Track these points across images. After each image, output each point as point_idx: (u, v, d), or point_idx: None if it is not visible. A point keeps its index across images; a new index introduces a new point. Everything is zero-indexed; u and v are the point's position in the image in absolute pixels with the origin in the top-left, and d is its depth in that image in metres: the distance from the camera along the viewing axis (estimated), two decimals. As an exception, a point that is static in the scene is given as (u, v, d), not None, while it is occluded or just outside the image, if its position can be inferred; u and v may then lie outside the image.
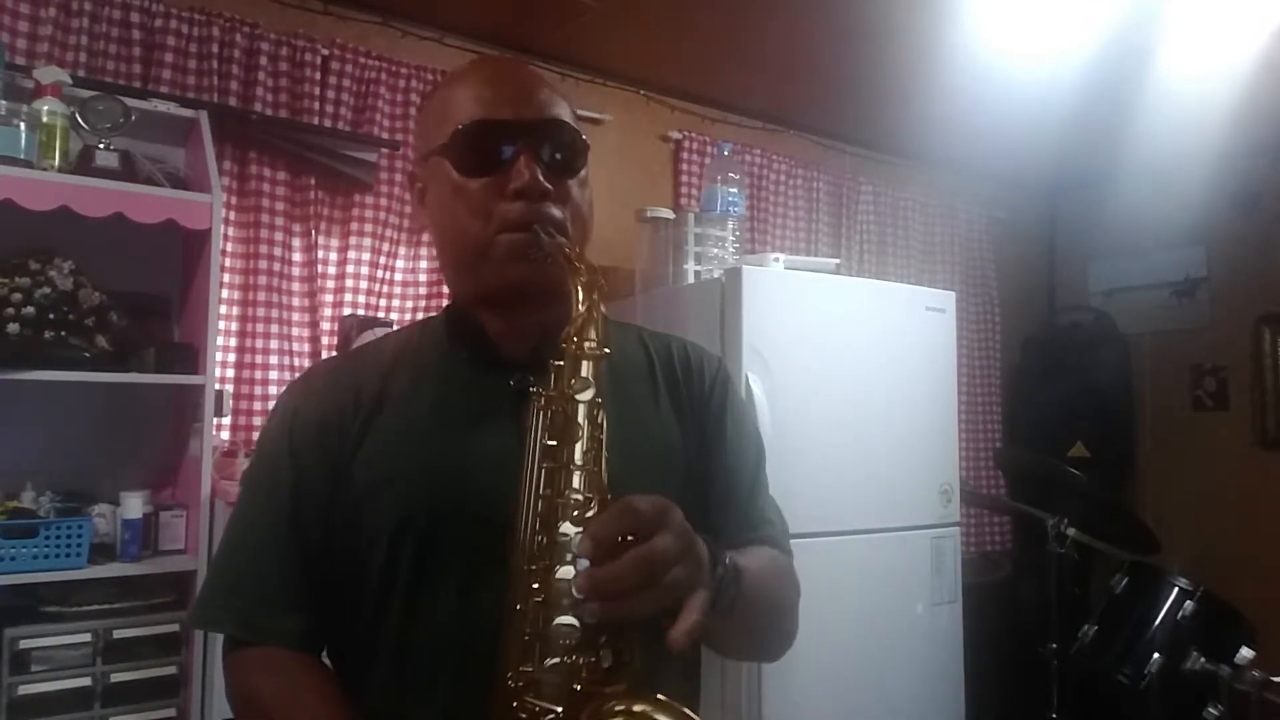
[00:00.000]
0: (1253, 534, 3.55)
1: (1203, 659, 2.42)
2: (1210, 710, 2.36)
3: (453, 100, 0.92)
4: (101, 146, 1.96)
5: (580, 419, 0.77)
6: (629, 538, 0.69)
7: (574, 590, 0.69)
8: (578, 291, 0.83)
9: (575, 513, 0.73)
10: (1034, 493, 2.99)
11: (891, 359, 2.58)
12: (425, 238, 2.69)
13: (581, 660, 0.71)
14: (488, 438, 0.88)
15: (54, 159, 1.89)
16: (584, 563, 0.68)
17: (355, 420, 0.91)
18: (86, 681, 1.81)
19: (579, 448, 0.76)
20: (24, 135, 1.85)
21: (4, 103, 1.86)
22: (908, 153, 3.82)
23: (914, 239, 3.81)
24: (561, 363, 0.81)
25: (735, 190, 2.90)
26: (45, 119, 1.89)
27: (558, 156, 0.90)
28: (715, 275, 2.63)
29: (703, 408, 1.01)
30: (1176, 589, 2.61)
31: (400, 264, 2.67)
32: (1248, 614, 2.60)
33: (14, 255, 1.86)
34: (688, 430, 0.98)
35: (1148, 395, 4.04)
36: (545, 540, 0.75)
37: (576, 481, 0.74)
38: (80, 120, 1.95)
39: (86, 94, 2.00)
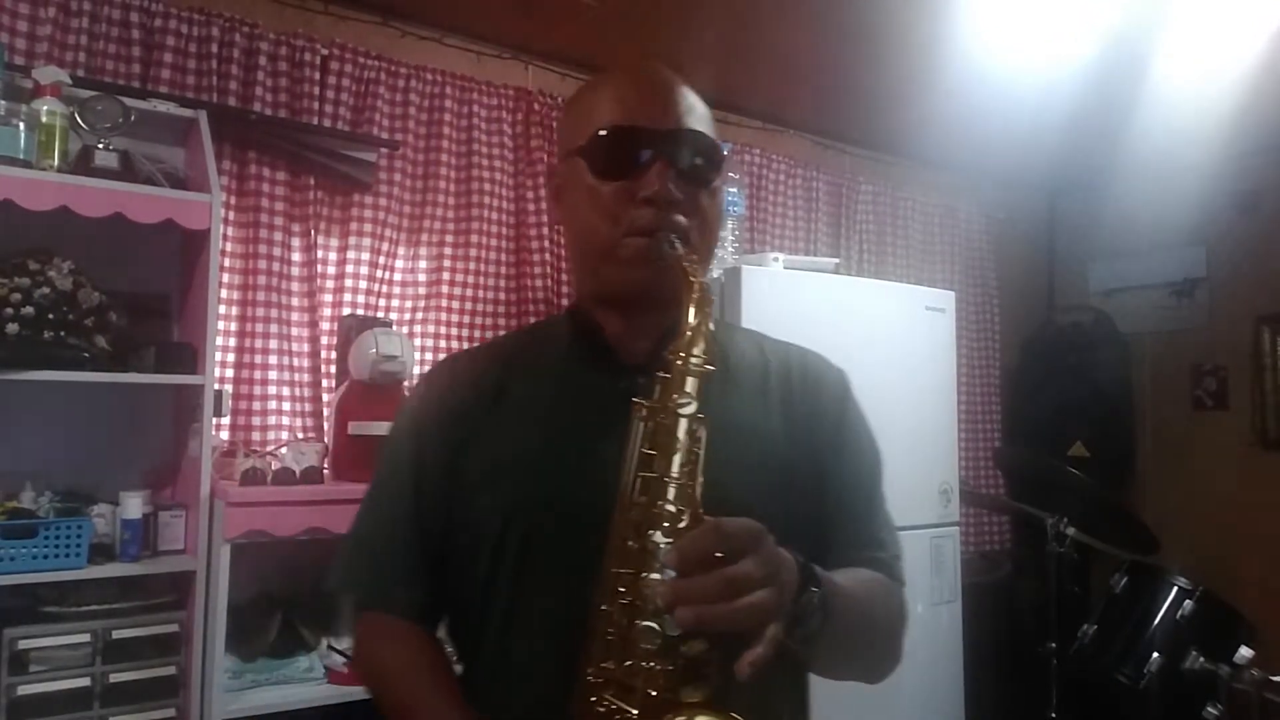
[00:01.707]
0: (1253, 534, 3.55)
1: (1202, 659, 2.43)
2: (1210, 710, 2.36)
3: (595, 103, 0.95)
4: (101, 146, 1.96)
5: (680, 433, 0.78)
6: (717, 555, 0.70)
7: (657, 598, 0.71)
8: (689, 306, 0.84)
9: (666, 524, 0.75)
10: (1033, 492, 3.00)
11: (891, 359, 2.58)
12: (425, 238, 2.70)
13: (660, 666, 0.73)
14: (595, 437, 0.89)
15: (53, 159, 1.89)
16: (670, 573, 0.70)
17: (474, 411, 0.95)
18: (86, 682, 1.81)
19: (676, 460, 0.77)
20: (23, 135, 1.85)
21: (3, 103, 1.86)
22: (908, 153, 3.82)
23: (914, 239, 3.81)
24: (668, 375, 0.82)
25: (735, 190, 2.90)
26: (45, 119, 1.89)
27: (691, 166, 0.92)
28: (715, 275, 2.63)
29: (818, 420, 0.99)
30: (1176, 589, 2.62)
31: (400, 264, 2.68)
32: (1247, 614, 2.60)
33: (13, 255, 1.86)
34: (799, 441, 0.97)
35: (1148, 395, 4.04)
36: (636, 546, 0.76)
37: (671, 493, 0.76)
38: (80, 120, 1.95)
39: (86, 94, 2.00)
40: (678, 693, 0.73)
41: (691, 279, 0.85)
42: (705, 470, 0.82)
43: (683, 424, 0.79)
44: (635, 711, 0.73)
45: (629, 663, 0.74)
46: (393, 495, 0.98)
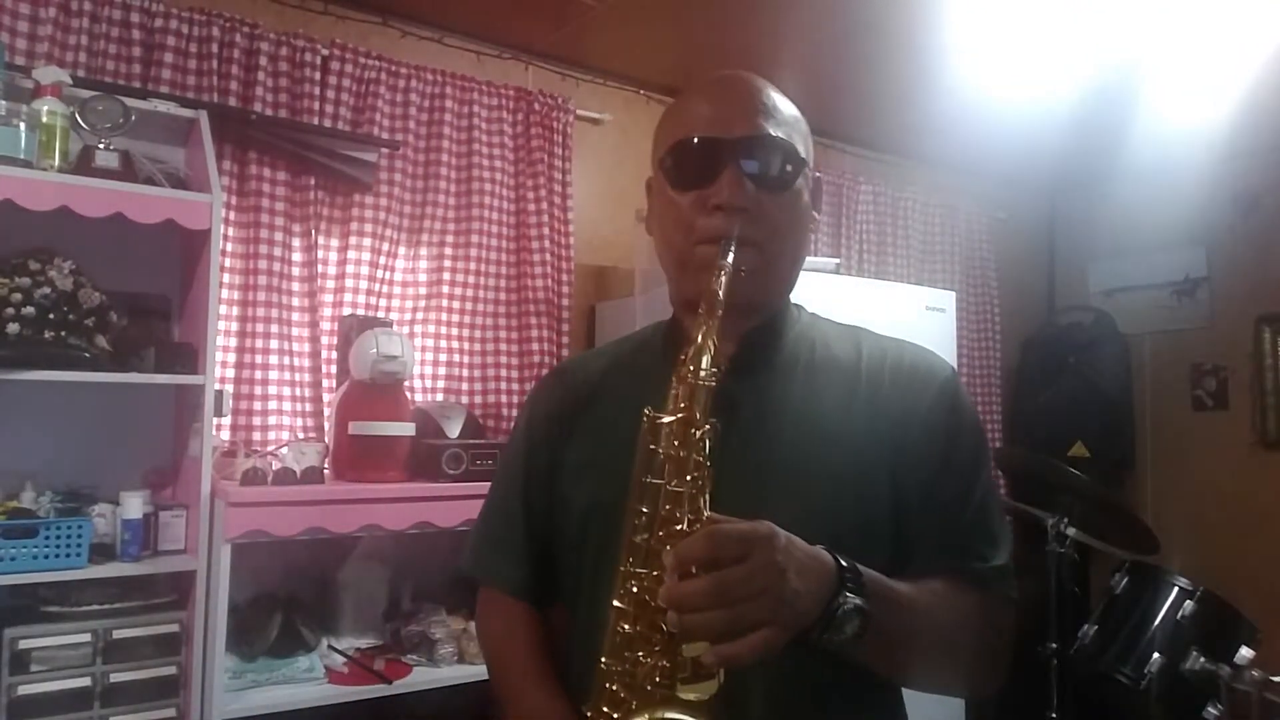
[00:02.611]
0: (1253, 534, 3.55)
1: (1203, 659, 2.42)
2: (1210, 710, 2.36)
3: (677, 117, 1.00)
4: (101, 146, 1.96)
5: (686, 443, 0.80)
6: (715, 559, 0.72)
7: (658, 599, 0.75)
8: (701, 323, 0.84)
9: (675, 527, 0.78)
10: (1034, 493, 2.99)
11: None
12: (425, 238, 2.70)
13: (660, 662, 0.77)
14: None
15: (54, 159, 1.89)
16: (669, 578, 0.74)
17: (573, 412, 1.05)
18: (86, 682, 1.81)
19: (685, 470, 0.79)
20: (24, 135, 1.85)
21: (4, 103, 1.86)
22: (908, 153, 3.82)
23: (914, 239, 3.81)
24: (676, 389, 0.83)
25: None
26: (45, 119, 1.89)
27: (764, 171, 0.93)
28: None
29: (906, 419, 0.95)
30: (1176, 589, 2.61)
31: (400, 264, 2.68)
32: (1248, 614, 2.60)
33: (14, 255, 1.86)
34: (884, 442, 0.94)
35: (1148, 395, 4.04)
36: (644, 548, 0.80)
37: (678, 500, 0.79)
38: (80, 120, 1.95)
39: (86, 94, 2.00)
40: (674, 688, 0.76)
41: (714, 279, 0.86)
42: (777, 472, 0.89)
43: (689, 433, 0.80)
44: (633, 702, 0.78)
45: (637, 655, 0.78)
46: (507, 486, 1.09)
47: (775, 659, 0.72)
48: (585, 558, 0.98)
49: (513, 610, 1.06)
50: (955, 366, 3.16)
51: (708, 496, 0.79)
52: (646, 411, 0.83)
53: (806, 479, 0.89)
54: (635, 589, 0.79)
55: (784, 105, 0.98)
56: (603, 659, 0.80)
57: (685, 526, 0.77)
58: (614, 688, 0.80)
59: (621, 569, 0.80)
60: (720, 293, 0.85)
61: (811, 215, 1.01)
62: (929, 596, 0.87)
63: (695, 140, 0.94)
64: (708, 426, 0.81)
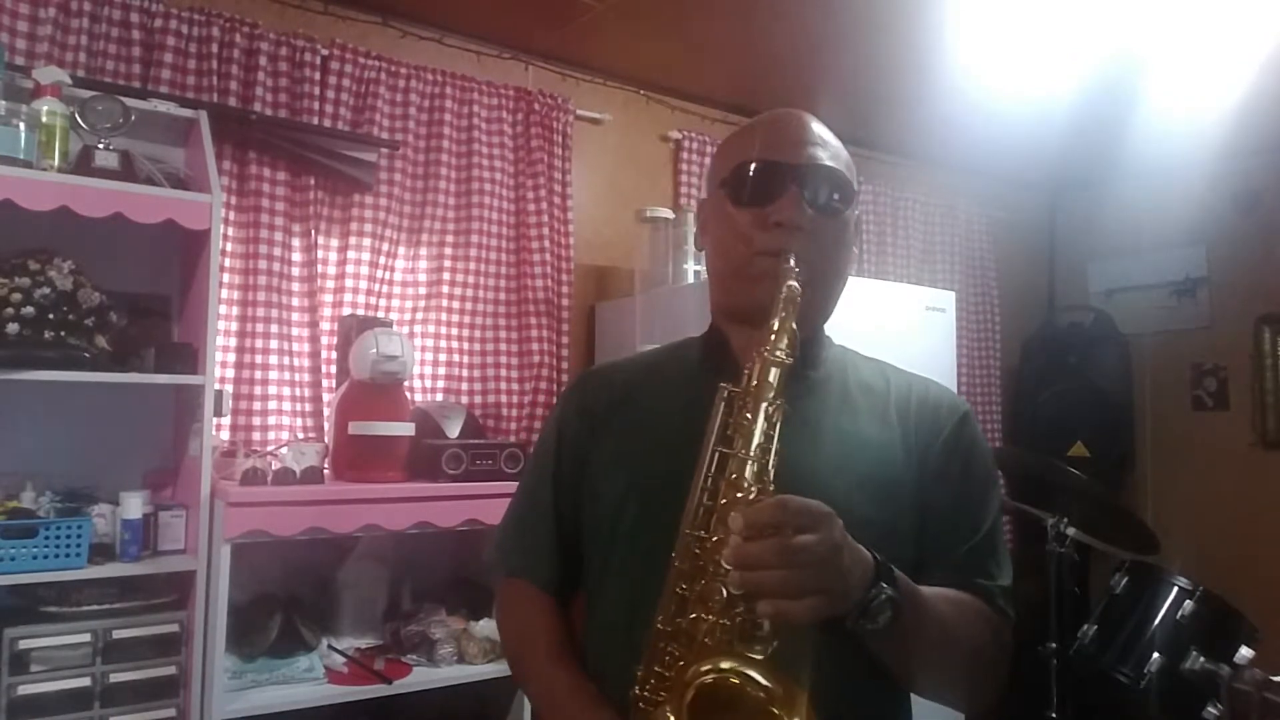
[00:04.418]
0: (1253, 534, 3.55)
1: (1202, 659, 2.42)
2: (1210, 710, 2.35)
3: (739, 142, 1.08)
4: (101, 146, 1.96)
5: (758, 416, 0.86)
6: (779, 527, 0.78)
7: (721, 559, 0.80)
8: (776, 304, 0.92)
9: (738, 494, 0.83)
10: (1034, 493, 2.99)
11: (891, 359, 2.57)
12: (425, 238, 2.70)
13: (718, 620, 0.81)
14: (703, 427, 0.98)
15: (54, 159, 1.89)
16: (735, 539, 0.78)
17: (605, 412, 1.11)
18: (86, 682, 1.81)
19: (754, 441, 0.85)
20: (24, 135, 1.85)
21: (4, 103, 1.85)
22: (908, 153, 3.82)
23: (914, 239, 3.81)
24: (753, 367, 0.90)
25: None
26: (45, 119, 1.89)
27: (822, 197, 1.01)
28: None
29: (931, 446, 1.04)
30: (1176, 588, 2.61)
31: (400, 264, 2.68)
32: (1248, 614, 2.60)
33: (14, 255, 1.86)
34: (911, 463, 1.03)
35: (1148, 395, 4.04)
36: (706, 514, 0.86)
37: (745, 470, 0.84)
38: (80, 120, 1.95)
39: (86, 94, 1.99)
40: (731, 646, 0.80)
41: (783, 281, 0.93)
42: (815, 474, 0.94)
43: (762, 408, 0.86)
44: (690, 660, 0.81)
45: (694, 615, 0.83)
46: (536, 481, 1.15)
47: (817, 647, 0.79)
48: (617, 545, 1.03)
49: (538, 602, 1.11)
50: (955, 366, 3.14)
51: (773, 469, 0.85)
52: (723, 385, 0.91)
53: (843, 487, 0.94)
54: (697, 551, 0.85)
55: (835, 141, 1.06)
56: (658, 621, 0.86)
57: (753, 496, 0.82)
58: (668, 647, 0.84)
59: (686, 531, 0.87)
60: (790, 294, 0.92)
61: (854, 248, 1.08)
62: (947, 604, 0.94)
63: (759, 162, 1.02)
64: (780, 402, 0.87)
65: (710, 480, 0.87)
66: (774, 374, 0.88)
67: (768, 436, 0.86)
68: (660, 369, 1.16)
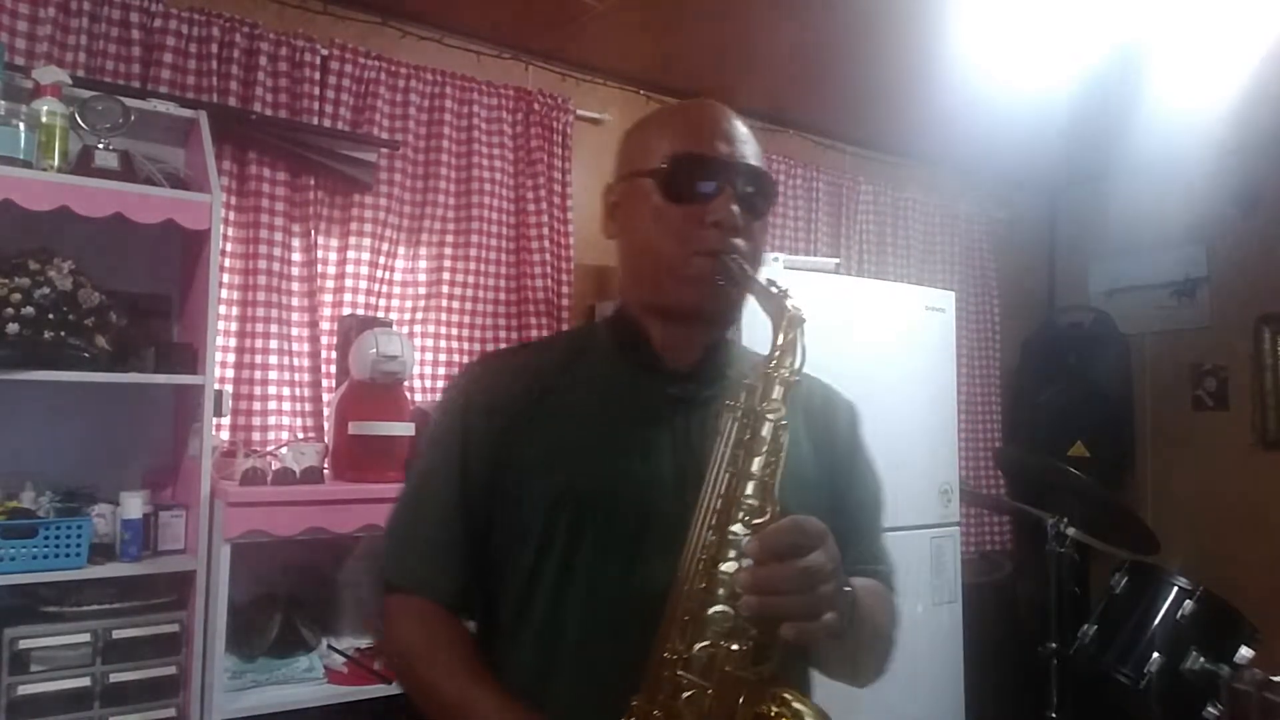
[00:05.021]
0: (1253, 534, 3.55)
1: (1202, 659, 2.42)
2: (1210, 710, 2.36)
3: (665, 131, 1.03)
4: (101, 146, 1.96)
5: (765, 435, 0.86)
6: (792, 548, 0.79)
7: (736, 585, 0.79)
8: (780, 324, 0.92)
9: (747, 517, 0.83)
10: (1034, 493, 2.99)
11: (891, 359, 2.58)
12: (425, 238, 2.70)
13: (731, 647, 0.80)
14: (644, 434, 0.98)
15: (53, 159, 1.89)
16: (749, 562, 0.78)
17: (523, 406, 1.00)
18: (86, 682, 1.81)
19: (759, 461, 0.85)
20: (24, 135, 1.85)
21: (4, 103, 1.86)
22: (908, 153, 3.82)
23: (914, 239, 3.81)
24: (756, 383, 0.89)
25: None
26: (45, 119, 1.89)
27: (751, 199, 0.99)
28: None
29: (833, 445, 1.08)
30: (1176, 589, 2.61)
31: (399, 264, 2.68)
32: (1248, 614, 2.60)
33: (14, 255, 1.86)
34: (820, 463, 1.05)
35: (1148, 395, 4.03)
36: (716, 538, 0.84)
37: (751, 490, 0.84)
38: (80, 120, 1.95)
39: (86, 94, 1.99)
40: (749, 670, 0.79)
41: (786, 305, 0.93)
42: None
43: (768, 426, 0.86)
44: (710, 688, 0.80)
45: (704, 642, 0.81)
46: (437, 484, 1.02)
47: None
48: (550, 553, 0.94)
49: (442, 617, 0.99)
50: (955, 367, 3.14)
51: (779, 487, 0.85)
52: (729, 402, 0.89)
53: (783, 495, 0.95)
54: (703, 576, 0.82)
55: (753, 139, 1.04)
56: (665, 650, 0.82)
57: (768, 517, 0.82)
58: (681, 676, 0.81)
59: (692, 559, 0.84)
60: (795, 317, 0.92)
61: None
62: (870, 596, 0.97)
63: (694, 157, 0.98)
64: (786, 422, 0.87)
65: (719, 501, 0.85)
66: (779, 391, 0.88)
67: (774, 456, 0.85)
68: (576, 362, 1.05)
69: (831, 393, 1.13)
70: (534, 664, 0.94)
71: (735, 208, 0.97)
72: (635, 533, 0.92)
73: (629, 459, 0.96)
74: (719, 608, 0.80)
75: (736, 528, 0.82)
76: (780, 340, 0.91)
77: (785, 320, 0.92)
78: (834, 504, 1.01)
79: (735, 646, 0.79)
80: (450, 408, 1.06)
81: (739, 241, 0.97)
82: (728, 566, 0.81)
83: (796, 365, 0.90)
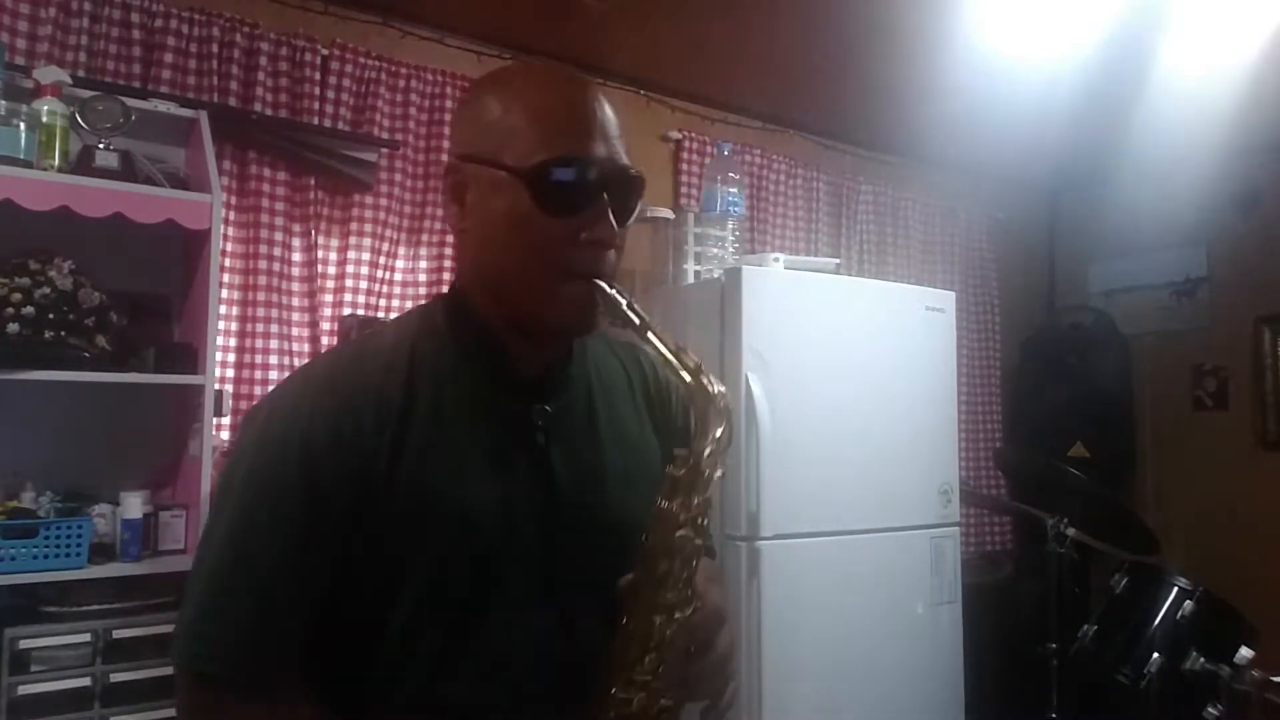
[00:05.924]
0: (1253, 534, 3.55)
1: (1202, 659, 2.42)
2: (1210, 710, 2.36)
3: (528, 115, 0.88)
4: (101, 146, 1.96)
5: (689, 526, 0.87)
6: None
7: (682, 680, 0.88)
8: (711, 415, 0.87)
9: (675, 611, 0.86)
10: (1034, 493, 2.99)
11: (891, 359, 2.58)
12: (426, 238, 2.69)
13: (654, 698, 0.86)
14: (519, 475, 0.90)
15: (54, 159, 1.89)
16: (676, 661, 0.87)
17: (381, 434, 0.84)
18: (86, 682, 1.81)
19: (683, 553, 0.87)
20: (24, 135, 1.85)
21: (4, 103, 1.86)
22: (908, 153, 3.82)
23: (914, 239, 3.81)
24: (680, 476, 0.87)
25: (735, 190, 2.90)
26: (45, 119, 1.89)
27: (626, 206, 0.91)
28: (715, 275, 2.63)
29: (669, 420, 1.05)
30: (1176, 589, 2.62)
31: (400, 264, 2.68)
32: (1248, 614, 2.60)
33: (14, 255, 1.86)
34: (663, 443, 1.00)
35: (1148, 395, 4.03)
36: (660, 634, 0.87)
37: (675, 584, 0.87)
38: (80, 120, 1.95)
39: (86, 94, 2.00)
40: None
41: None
42: (609, 476, 0.94)
43: (696, 519, 0.87)
44: None
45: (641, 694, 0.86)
46: (275, 549, 0.81)
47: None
48: (427, 610, 0.83)
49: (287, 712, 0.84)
50: (955, 367, 3.14)
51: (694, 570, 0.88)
52: (679, 451, 0.86)
53: (631, 476, 0.96)
54: (643, 675, 0.85)
55: (618, 122, 0.92)
56: (615, 689, 0.85)
57: (688, 610, 0.87)
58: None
59: (637, 656, 0.85)
60: (725, 404, 0.88)
61: None
62: (711, 585, 0.97)
63: (567, 162, 0.86)
64: (705, 511, 0.87)
65: (663, 601, 0.86)
66: (702, 487, 0.87)
67: (695, 547, 0.87)
68: (426, 375, 0.89)
69: (661, 371, 1.04)
70: (445, 701, 0.84)
71: (612, 220, 0.87)
72: (523, 590, 0.88)
73: (507, 509, 0.88)
74: (648, 697, 0.86)
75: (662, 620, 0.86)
76: (716, 433, 0.87)
77: (716, 413, 0.87)
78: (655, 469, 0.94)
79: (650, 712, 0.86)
80: (281, 444, 0.84)
81: (610, 256, 0.89)
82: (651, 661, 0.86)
83: (709, 454, 0.87)
